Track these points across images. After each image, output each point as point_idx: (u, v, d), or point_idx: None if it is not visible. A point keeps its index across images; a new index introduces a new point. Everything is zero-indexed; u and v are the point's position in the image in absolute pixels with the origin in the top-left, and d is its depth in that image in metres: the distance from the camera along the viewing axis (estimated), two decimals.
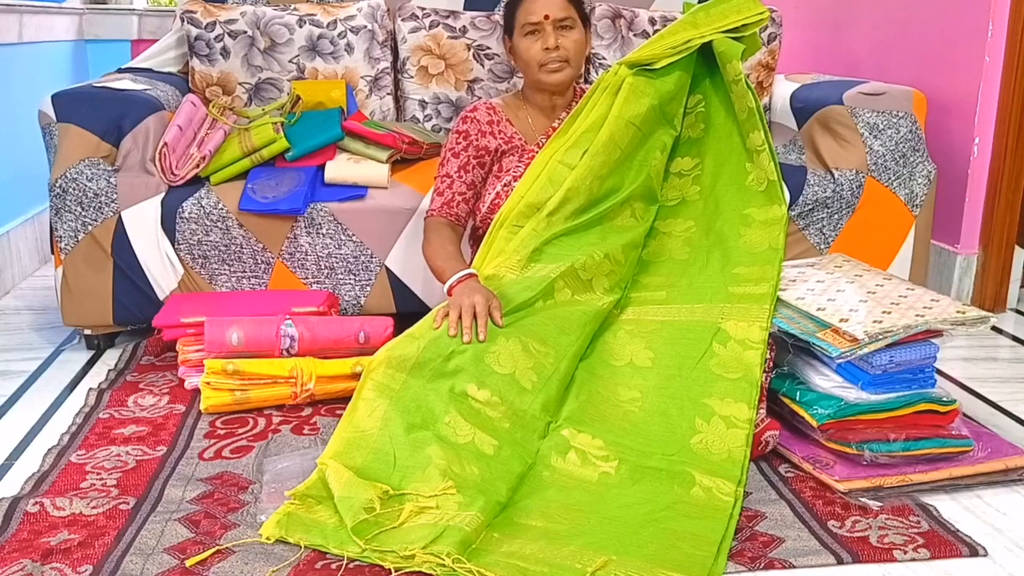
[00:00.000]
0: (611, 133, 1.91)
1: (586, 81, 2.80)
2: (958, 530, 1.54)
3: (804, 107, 2.60)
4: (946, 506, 1.62)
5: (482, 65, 2.76)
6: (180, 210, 2.27)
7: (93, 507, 1.55)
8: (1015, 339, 2.58)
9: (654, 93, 1.94)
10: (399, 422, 1.60)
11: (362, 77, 2.71)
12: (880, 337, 1.67)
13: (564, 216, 1.89)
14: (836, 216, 2.46)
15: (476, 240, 2.12)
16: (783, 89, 2.75)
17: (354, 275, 2.35)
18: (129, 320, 2.33)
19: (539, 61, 2.01)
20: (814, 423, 1.72)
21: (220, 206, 2.28)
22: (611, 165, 1.92)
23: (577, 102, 2.11)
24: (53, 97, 2.30)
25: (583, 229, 1.90)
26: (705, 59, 2.00)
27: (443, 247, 1.97)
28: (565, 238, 1.89)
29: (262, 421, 1.92)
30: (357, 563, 1.40)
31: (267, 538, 1.45)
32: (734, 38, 1.94)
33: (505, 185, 2.04)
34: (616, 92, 1.94)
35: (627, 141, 1.93)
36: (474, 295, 1.73)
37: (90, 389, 2.08)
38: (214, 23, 2.64)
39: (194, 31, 2.64)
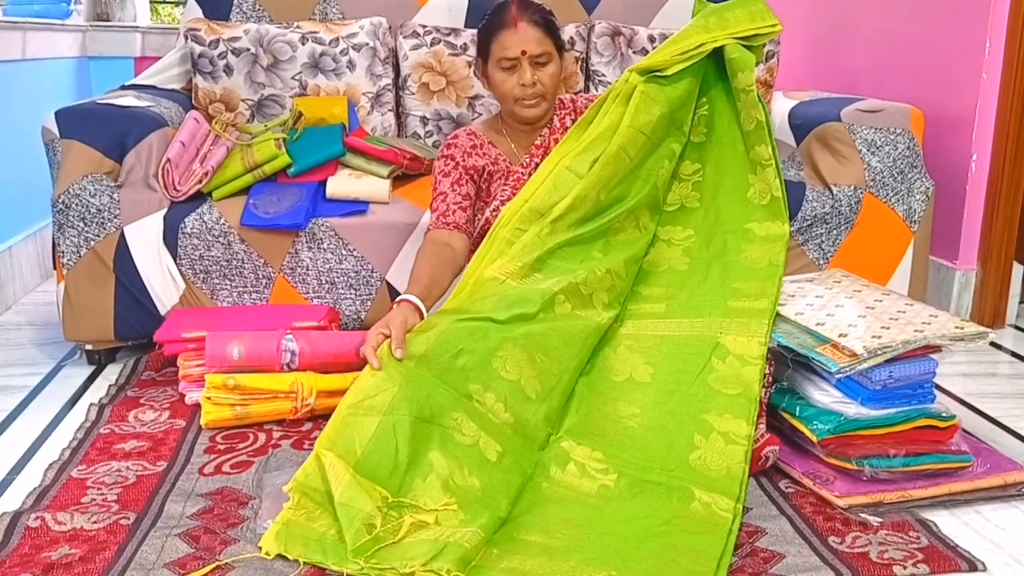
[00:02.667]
0: (622, 143, 1.89)
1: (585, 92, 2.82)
2: (957, 545, 1.54)
3: (802, 124, 2.62)
4: (945, 521, 1.62)
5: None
6: (182, 225, 2.28)
7: (94, 522, 1.56)
8: (1014, 355, 2.59)
9: (665, 100, 1.91)
10: (406, 410, 1.55)
11: (364, 94, 2.73)
12: (879, 352, 1.67)
13: (568, 223, 1.86)
14: (835, 232, 2.47)
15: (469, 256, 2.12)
16: (781, 106, 2.76)
17: (355, 290, 2.36)
18: (130, 335, 2.34)
19: (515, 96, 2.00)
20: (814, 438, 1.72)
21: (222, 221, 2.29)
22: (620, 175, 1.90)
23: (557, 117, 2.11)
24: (57, 113, 2.31)
25: (587, 240, 1.89)
26: (712, 64, 1.98)
27: (419, 262, 1.93)
28: (568, 249, 1.87)
29: (262, 436, 1.93)
30: None
31: (266, 552, 1.45)
32: (744, 47, 1.93)
33: (493, 210, 2.04)
34: (627, 100, 1.92)
35: (636, 150, 1.90)
36: (373, 329, 1.68)
37: (91, 404, 2.08)
38: (217, 41, 2.66)
39: (198, 48, 2.66)
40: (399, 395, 1.57)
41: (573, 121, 2.07)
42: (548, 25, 2.01)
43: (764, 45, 2.01)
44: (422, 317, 1.77)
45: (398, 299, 1.81)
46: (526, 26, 1.97)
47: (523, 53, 1.97)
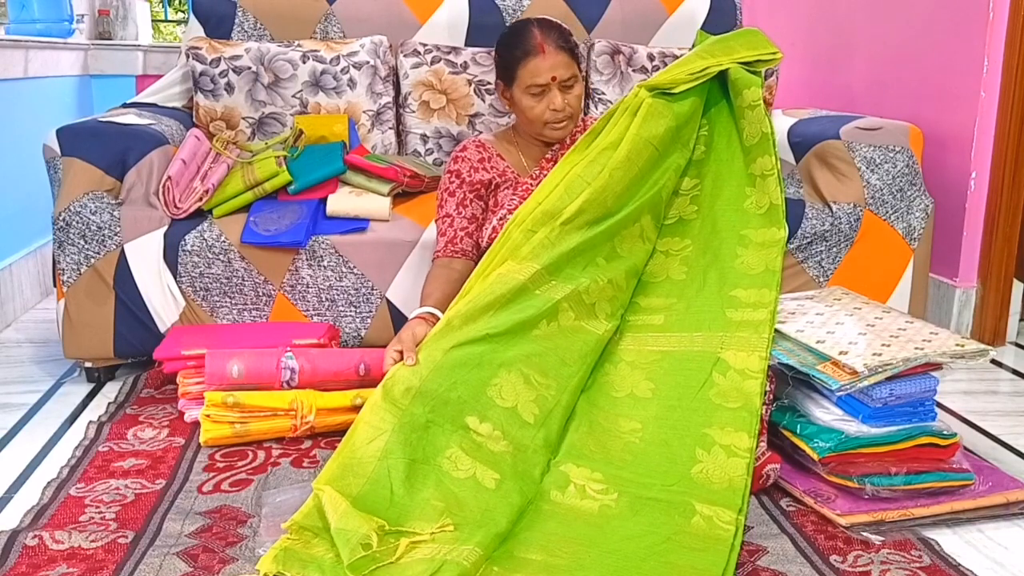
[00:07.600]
0: (629, 150, 1.91)
1: (584, 114, 2.83)
2: (960, 564, 1.53)
3: (801, 141, 2.63)
4: (948, 540, 1.62)
5: (483, 100, 2.79)
6: (182, 243, 2.28)
7: (92, 541, 1.55)
8: (1015, 372, 2.58)
9: (672, 115, 1.95)
10: (399, 454, 1.58)
11: (364, 112, 2.74)
12: (880, 370, 1.67)
13: (578, 226, 1.87)
14: (835, 249, 2.47)
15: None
16: (780, 124, 2.77)
17: (355, 307, 2.36)
18: (130, 353, 2.34)
19: (545, 120, 2.03)
20: (815, 456, 1.71)
21: (222, 239, 2.29)
22: (627, 181, 1.92)
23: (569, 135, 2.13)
24: (58, 131, 2.32)
25: (594, 245, 1.89)
26: (714, 86, 2.03)
27: (428, 284, 2.00)
28: (577, 256, 1.87)
29: (262, 454, 1.92)
30: None
31: (264, 574, 1.44)
32: (747, 71, 1.98)
33: (500, 219, 2.05)
34: (635, 113, 1.96)
35: (644, 159, 1.93)
36: (388, 349, 1.75)
37: (90, 422, 2.07)
38: (219, 59, 2.67)
39: (199, 67, 2.67)
40: (392, 439, 1.59)
41: None
42: (572, 49, 2.05)
43: (763, 72, 2.05)
44: (433, 323, 1.81)
45: (412, 316, 1.85)
46: (553, 51, 2.01)
47: (553, 79, 2.00)
